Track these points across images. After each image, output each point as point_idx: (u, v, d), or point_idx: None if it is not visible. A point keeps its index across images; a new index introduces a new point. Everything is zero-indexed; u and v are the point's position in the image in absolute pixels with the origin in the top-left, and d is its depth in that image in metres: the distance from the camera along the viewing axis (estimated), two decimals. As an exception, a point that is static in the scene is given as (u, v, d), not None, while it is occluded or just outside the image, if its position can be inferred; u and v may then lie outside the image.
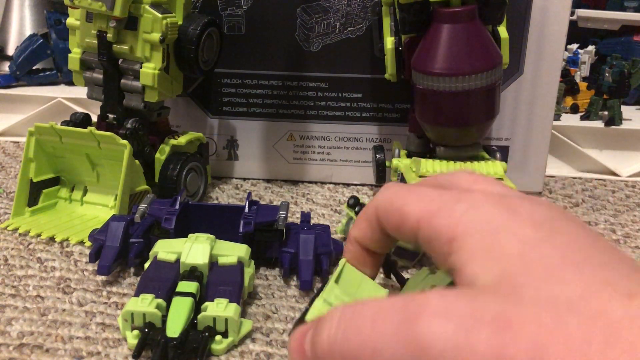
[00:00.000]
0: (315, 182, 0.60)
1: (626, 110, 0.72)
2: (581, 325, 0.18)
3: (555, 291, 0.19)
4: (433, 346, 0.19)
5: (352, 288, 0.29)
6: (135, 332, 0.32)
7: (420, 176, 0.45)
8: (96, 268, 0.39)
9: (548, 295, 0.19)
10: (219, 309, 0.32)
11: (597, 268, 0.20)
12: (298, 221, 0.45)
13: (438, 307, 0.20)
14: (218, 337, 0.32)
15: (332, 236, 0.44)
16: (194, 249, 0.36)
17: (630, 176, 0.64)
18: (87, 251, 0.42)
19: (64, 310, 0.36)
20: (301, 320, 0.28)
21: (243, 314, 0.36)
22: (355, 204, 0.42)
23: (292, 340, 0.27)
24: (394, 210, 0.28)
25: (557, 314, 0.18)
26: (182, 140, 0.52)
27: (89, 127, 0.46)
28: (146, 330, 0.31)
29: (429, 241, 0.25)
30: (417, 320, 0.20)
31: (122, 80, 0.49)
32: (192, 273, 0.35)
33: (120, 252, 0.40)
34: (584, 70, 0.85)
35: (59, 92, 0.73)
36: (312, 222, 0.49)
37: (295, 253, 0.40)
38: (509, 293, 0.20)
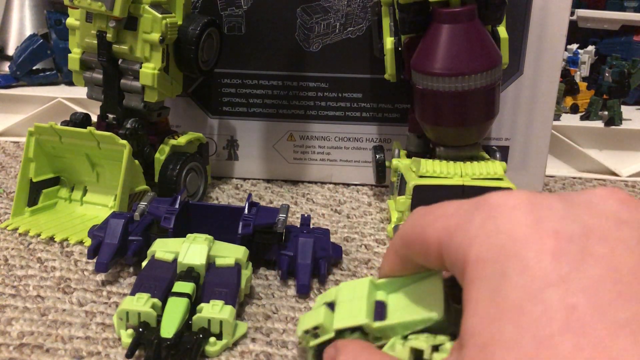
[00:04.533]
0: (315, 182, 0.60)
1: (626, 110, 0.72)
2: None
3: None
4: None
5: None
6: (130, 331, 0.32)
7: (420, 176, 0.45)
8: (94, 265, 0.39)
9: None
10: (214, 310, 0.32)
11: (627, 327, 0.16)
12: (298, 222, 0.45)
13: None
14: (212, 339, 0.32)
15: (335, 240, 0.44)
16: (192, 250, 0.36)
17: (630, 176, 0.64)
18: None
19: (64, 310, 0.36)
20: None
21: (242, 315, 0.36)
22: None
23: None
24: (416, 237, 0.25)
25: None
26: (181, 140, 0.52)
27: (89, 127, 0.46)
28: (140, 329, 0.31)
29: (452, 267, 0.23)
30: None
31: (122, 80, 0.49)
32: (189, 273, 0.35)
33: (119, 249, 0.40)
34: (584, 70, 0.85)
35: (59, 92, 0.73)
36: (312, 222, 0.49)
37: (294, 256, 0.40)
38: None
